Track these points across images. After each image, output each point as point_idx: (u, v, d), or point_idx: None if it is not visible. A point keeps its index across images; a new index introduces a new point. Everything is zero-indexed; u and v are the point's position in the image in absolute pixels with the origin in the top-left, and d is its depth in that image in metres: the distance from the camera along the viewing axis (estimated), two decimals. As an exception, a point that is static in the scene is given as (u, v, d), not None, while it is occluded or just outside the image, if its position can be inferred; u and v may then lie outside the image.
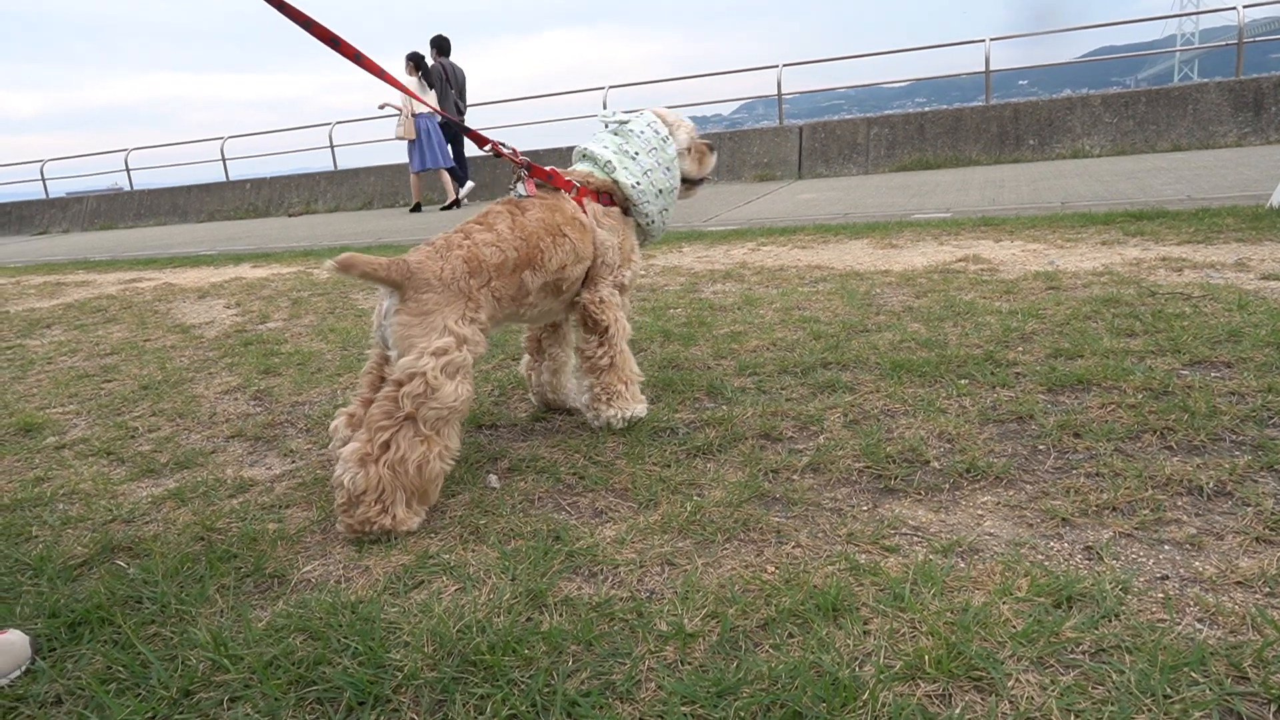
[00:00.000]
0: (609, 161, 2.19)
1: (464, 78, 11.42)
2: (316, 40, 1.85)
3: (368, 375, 1.97)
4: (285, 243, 8.81)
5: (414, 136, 11.12)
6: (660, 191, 2.23)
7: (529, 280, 1.96)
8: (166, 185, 17.10)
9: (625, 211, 2.24)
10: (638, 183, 2.18)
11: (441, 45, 11.27)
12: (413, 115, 10.97)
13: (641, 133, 2.24)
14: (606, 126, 2.29)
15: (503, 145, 2.12)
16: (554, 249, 1.99)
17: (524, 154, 2.12)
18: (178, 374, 3.25)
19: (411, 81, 10.90)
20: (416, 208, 11.77)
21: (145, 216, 16.51)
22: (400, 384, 1.73)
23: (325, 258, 6.72)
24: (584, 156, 2.26)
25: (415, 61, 10.90)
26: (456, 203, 11.43)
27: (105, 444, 2.47)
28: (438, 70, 11.13)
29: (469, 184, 11.94)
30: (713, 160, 2.42)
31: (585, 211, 2.12)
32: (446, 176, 11.43)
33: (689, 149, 2.36)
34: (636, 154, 2.21)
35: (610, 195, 2.20)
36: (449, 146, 11.48)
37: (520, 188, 2.08)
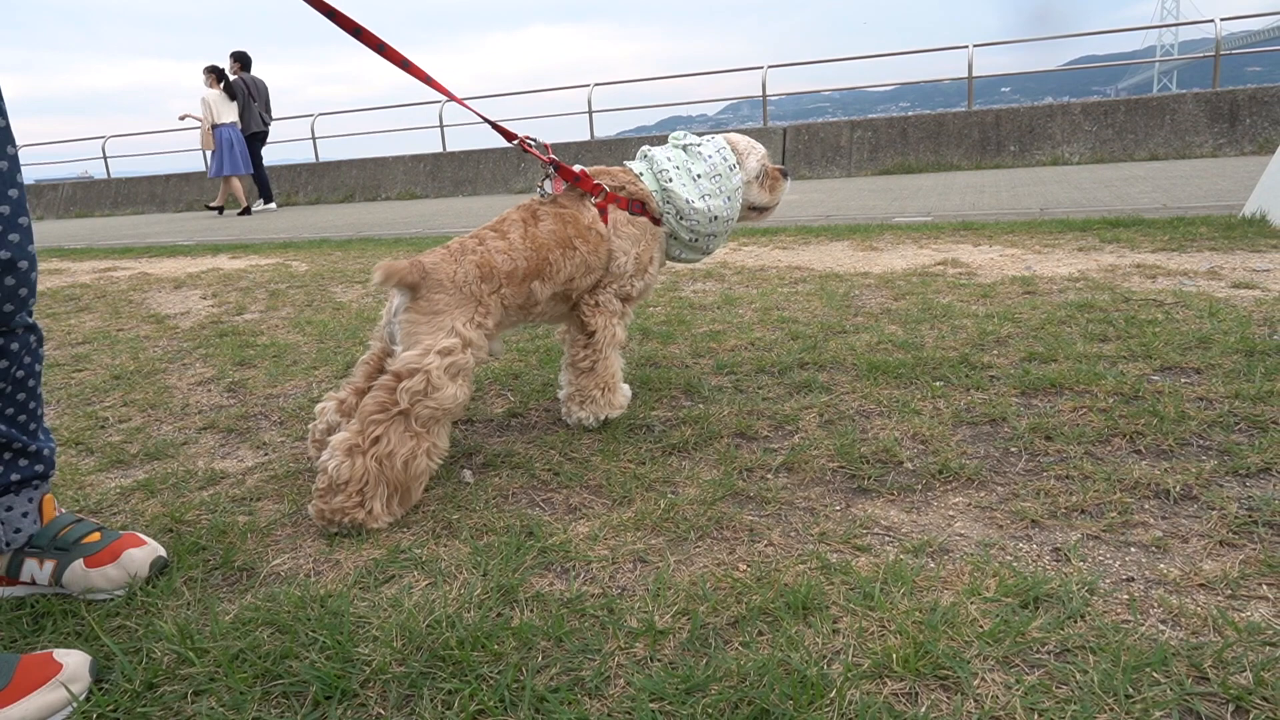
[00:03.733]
0: (665, 170, 2.16)
1: (266, 90, 12.27)
2: (366, 47, 1.89)
3: (364, 366, 1.96)
4: (264, 234, 8.73)
5: (214, 147, 11.86)
6: (715, 218, 2.18)
7: (538, 290, 1.96)
8: (144, 174, 16.90)
9: (656, 222, 2.19)
10: (691, 200, 2.14)
11: (244, 60, 12.04)
12: (213, 127, 11.73)
13: (709, 157, 2.20)
14: (676, 144, 2.25)
15: (530, 141, 2.08)
16: (564, 261, 1.98)
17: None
18: (150, 364, 3.21)
19: (214, 93, 11.65)
20: (230, 210, 12.49)
21: (122, 205, 16.31)
22: (400, 377, 1.73)
23: (304, 249, 6.67)
24: (644, 156, 2.24)
25: (217, 74, 11.65)
26: (221, 209, 12.32)
27: (74, 434, 2.44)
28: (240, 84, 11.86)
29: (272, 204, 12.91)
30: (785, 186, 2.38)
31: (606, 218, 2.09)
32: (236, 184, 12.10)
33: (759, 176, 2.31)
34: (699, 176, 2.17)
35: (643, 204, 2.16)
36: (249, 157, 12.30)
37: (548, 186, 2.06)
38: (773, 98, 13.10)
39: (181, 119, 12.43)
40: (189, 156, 17.17)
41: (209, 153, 12.00)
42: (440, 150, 14.48)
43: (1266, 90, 9.57)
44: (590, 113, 13.88)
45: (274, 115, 12.55)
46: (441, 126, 14.88)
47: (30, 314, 1.45)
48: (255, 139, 12.23)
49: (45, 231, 12.36)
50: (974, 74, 11.83)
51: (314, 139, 15.94)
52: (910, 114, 11.38)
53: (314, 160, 15.61)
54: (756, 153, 2.32)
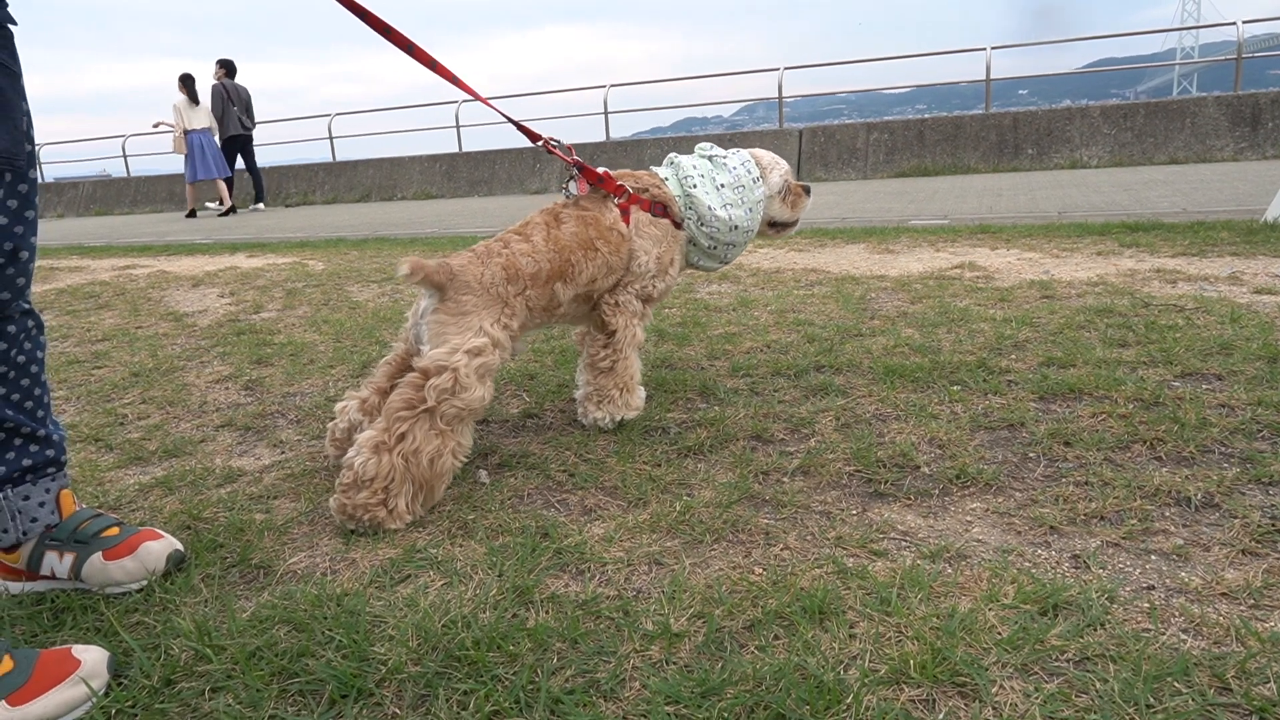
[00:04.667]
0: (690, 177, 2.18)
1: (248, 96, 12.83)
2: (395, 47, 1.91)
3: (386, 366, 1.98)
4: (281, 233, 8.78)
5: (185, 151, 12.32)
6: (735, 228, 2.21)
7: (560, 292, 1.98)
8: (163, 173, 17.04)
9: (678, 226, 2.21)
10: (713, 207, 2.17)
11: (229, 67, 12.60)
12: (185, 133, 12.21)
13: (734, 169, 2.23)
14: (703, 154, 2.28)
15: (555, 143, 2.10)
16: (585, 263, 2.00)
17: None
18: (169, 362, 3.24)
19: (181, 99, 12.15)
20: (192, 213, 12.83)
21: (141, 203, 16.45)
22: (428, 374, 1.74)
23: (321, 249, 6.71)
24: (670, 162, 2.27)
25: (185, 81, 12.17)
26: (233, 209, 12.72)
27: (94, 430, 2.46)
28: (220, 90, 12.42)
29: (261, 205, 13.43)
30: (807, 203, 2.40)
31: (629, 219, 2.11)
32: (222, 185, 12.59)
33: (782, 192, 2.34)
34: (722, 186, 2.19)
35: (665, 207, 2.18)
36: (225, 159, 12.76)
37: (572, 187, 2.09)
38: (789, 99, 13.07)
39: (155, 126, 12.96)
40: (207, 156, 17.33)
41: (185, 157, 12.48)
42: (456, 150, 14.53)
43: (1289, 94, 9.46)
44: (606, 113, 13.89)
45: (297, 114, 12.88)
46: (458, 127, 14.94)
47: (27, 301, 1.48)
48: (233, 142, 12.70)
49: (65, 229, 12.49)
50: (991, 76, 11.76)
51: (331, 138, 16.03)
52: (927, 116, 11.32)
53: (331, 160, 15.70)
54: (780, 168, 2.35)
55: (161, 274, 5.86)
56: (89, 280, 5.76)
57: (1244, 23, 10.75)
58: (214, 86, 12.42)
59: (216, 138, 12.57)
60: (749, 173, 2.24)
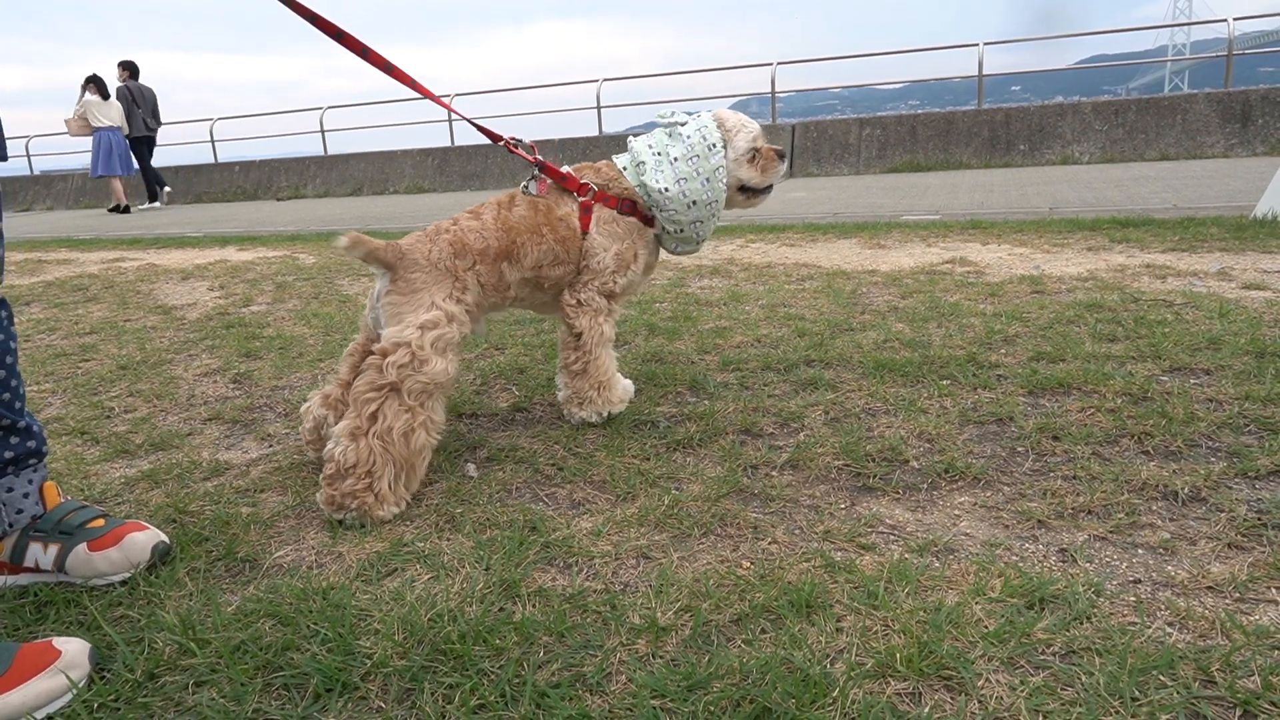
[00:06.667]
0: (642, 162, 2.11)
1: (153, 97, 13.06)
2: (344, 47, 1.90)
3: (350, 358, 1.97)
4: (272, 226, 8.74)
5: (75, 134, 12.52)
6: (694, 203, 2.10)
7: (507, 272, 1.98)
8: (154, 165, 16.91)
9: (649, 221, 2.16)
10: (666, 188, 2.08)
11: (131, 68, 12.84)
12: (94, 129, 12.39)
13: (689, 138, 2.11)
14: (663, 121, 2.18)
15: (516, 142, 2.08)
16: (531, 246, 1.99)
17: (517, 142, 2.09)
18: (157, 355, 3.22)
19: (94, 99, 12.31)
20: (117, 208, 13.03)
21: (131, 196, 16.32)
22: (385, 353, 1.75)
23: (312, 242, 6.68)
24: (629, 148, 2.20)
25: (95, 81, 12.33)
26: (126, 208, 12.89)
27: (80, 423, 2.44)
28: (124, 91, 12.61)
29: (156, 204, 13.57)
30: (780, 168, 2.25)
31: (590, 215, 2.08)
32: (117, 184, 12.81)
33: (750, 155, 2.19)
34: (676, 159, 2.09)
35: (633, 202, 2.12)
36: (133, 158, 12.96)
37: (532, 186, 2.06)
38: (782, 95, 13.06)
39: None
40: (197, 149, 17.22)
41: (91, 152, 12.59)
42: (449, 144, 14.48)
43: (1279, 91, 9.50)
44: (599, 108, 13.86)
45: (289, 108, 12.86)
46: (450, 121, 14.88)
47: None
48: (140, 142, 12.89)
49: (54, 222, 12.40)
50: (984, 72, 11.78)
51: (323, 132, 15.95)
52: (919, 112, 11.33)
53: (322, 153, 15.63)
54: (747, 131, 2.19)
55: (151, 267, 5.83)
56: (77, 273, 5.72)
57: (1235, 20, 10.78)
58: (119, 88, 12.59)
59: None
60: (704, 139, 2.11)
